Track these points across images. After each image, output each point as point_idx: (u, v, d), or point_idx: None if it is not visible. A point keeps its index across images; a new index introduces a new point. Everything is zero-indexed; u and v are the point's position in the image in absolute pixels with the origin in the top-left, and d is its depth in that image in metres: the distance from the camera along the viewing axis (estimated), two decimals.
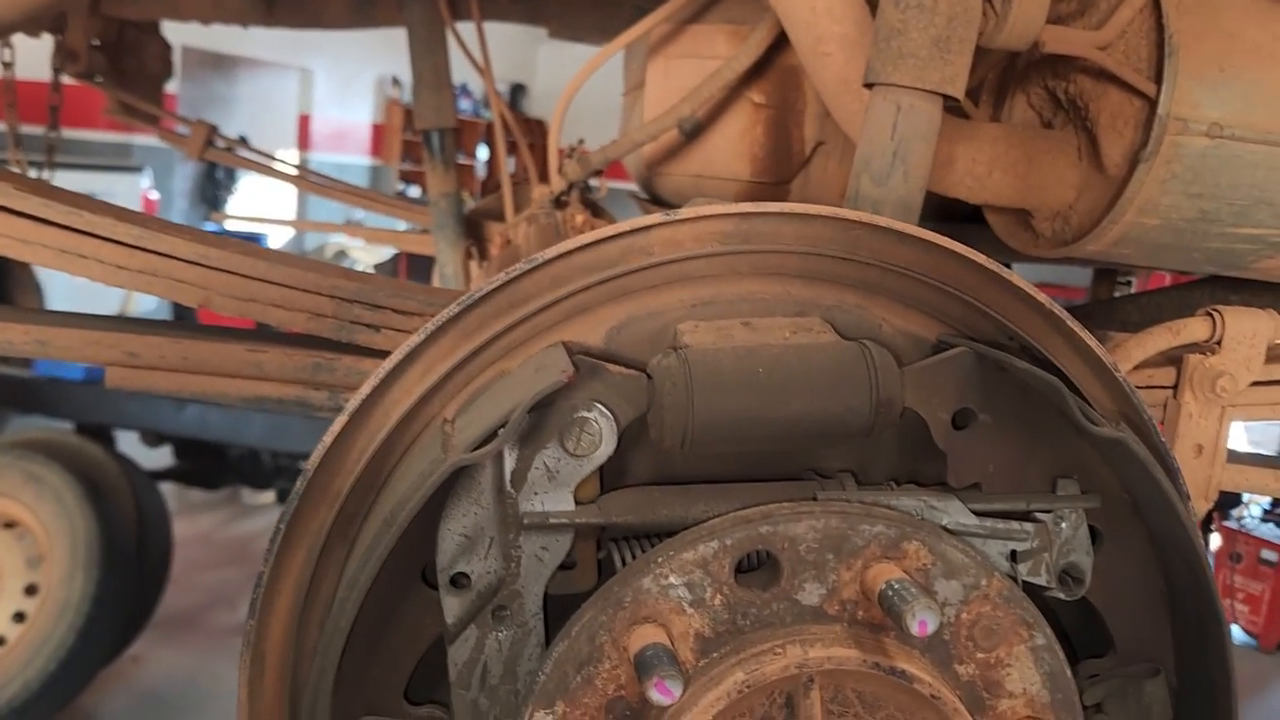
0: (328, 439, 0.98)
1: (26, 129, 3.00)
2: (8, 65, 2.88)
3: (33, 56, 2.96)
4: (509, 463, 0.95)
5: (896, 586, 0.87)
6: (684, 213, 1.00)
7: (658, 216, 1.00)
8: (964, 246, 1.01)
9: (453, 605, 0.95)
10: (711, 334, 1.00)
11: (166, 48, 3.22)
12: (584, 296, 1.02)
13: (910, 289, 1.06)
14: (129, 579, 3.67)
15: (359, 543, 0.99)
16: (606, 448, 0.96)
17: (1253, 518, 5.55)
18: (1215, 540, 5.67)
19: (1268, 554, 5.26)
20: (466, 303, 0.98)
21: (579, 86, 2.09)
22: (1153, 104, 1.37)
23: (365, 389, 0.98)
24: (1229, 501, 5.48)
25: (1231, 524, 5.51)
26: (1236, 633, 5.34)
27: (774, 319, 1.03)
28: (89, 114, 3.93)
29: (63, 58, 2.82)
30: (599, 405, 0.96)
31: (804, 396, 0.96)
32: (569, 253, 0.99)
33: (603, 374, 0.97)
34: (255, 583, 0.98)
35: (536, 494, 0.96)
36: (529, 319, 1.01)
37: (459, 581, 0.96)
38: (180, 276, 1.25)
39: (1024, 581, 1.01)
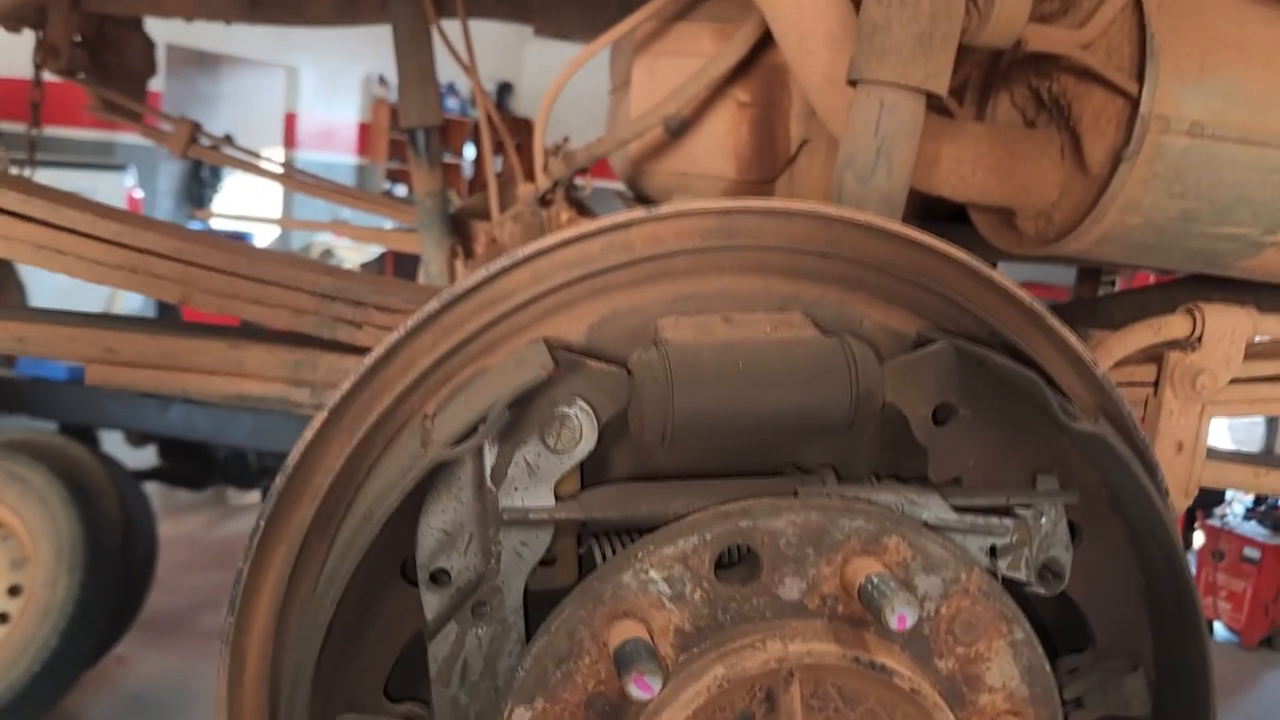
0: (308, 435, 0.97)
1: (7, 126, 2.98)
2: None
3: (11, 53, 2.94)
4: (489, 458, 0.95)
5: (876, 581, 0.88)
6: (666, 209, 1.00)
7: (639, 212, 1.00)
8: (944, 243, 1.02)
9: (432, 601, 0.95)
10: (692, 329, 1.00)
11: (149, 44, 3.20)
12: (565, 293, 1.02)
13: (891, 285, 1.06)
14: (114, 580, 3.64)
15: (338, 539, 0.99)
16: (587, 443, 0.96)
17: (1235, 516, 5.58)
18: (1199, 538, 5.69)
19: (1250, 551, 5.28)
20: (448, 299, 0.98)
21: (563, 84, 2.09)
22: (1135, 103, 1.37)
23: (346, 385, 0.98)
24: (1212, 499, 5.50)
25: (1214, 522, 5.54)
26: (1219, 630, 5.37)
27: (755, 314, 1.04)
28: (71, 111, 3.90)
29: (44, 54, 2.80)
30: (580, 400, 0.96)
31: (784, 390, 0.96)
32: (550, 249, 0.99)
33: (583, 369, 0.97)
34: (235, 579, 0.98)
35: (516, 489, 0.95)
36: (510, 315, 1.01)
37: (439, 577, 0.95)
38: (160, 272, 1.24)
39: (1003, 576, 1.01)
